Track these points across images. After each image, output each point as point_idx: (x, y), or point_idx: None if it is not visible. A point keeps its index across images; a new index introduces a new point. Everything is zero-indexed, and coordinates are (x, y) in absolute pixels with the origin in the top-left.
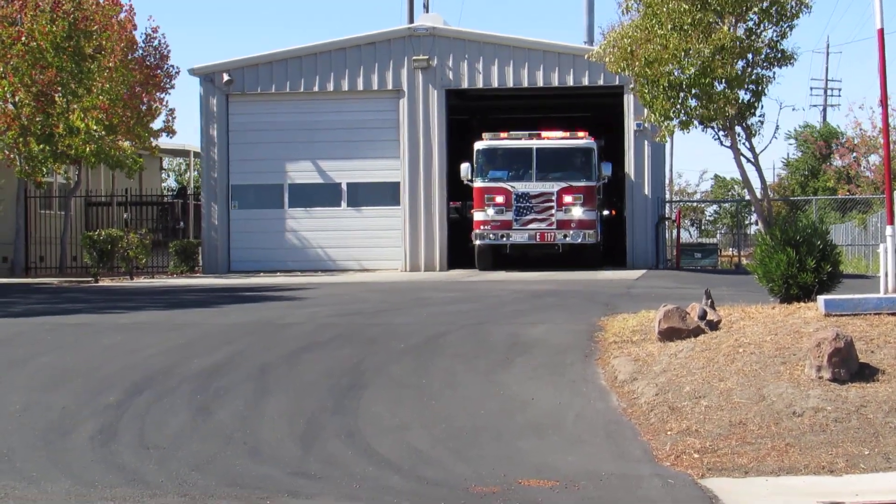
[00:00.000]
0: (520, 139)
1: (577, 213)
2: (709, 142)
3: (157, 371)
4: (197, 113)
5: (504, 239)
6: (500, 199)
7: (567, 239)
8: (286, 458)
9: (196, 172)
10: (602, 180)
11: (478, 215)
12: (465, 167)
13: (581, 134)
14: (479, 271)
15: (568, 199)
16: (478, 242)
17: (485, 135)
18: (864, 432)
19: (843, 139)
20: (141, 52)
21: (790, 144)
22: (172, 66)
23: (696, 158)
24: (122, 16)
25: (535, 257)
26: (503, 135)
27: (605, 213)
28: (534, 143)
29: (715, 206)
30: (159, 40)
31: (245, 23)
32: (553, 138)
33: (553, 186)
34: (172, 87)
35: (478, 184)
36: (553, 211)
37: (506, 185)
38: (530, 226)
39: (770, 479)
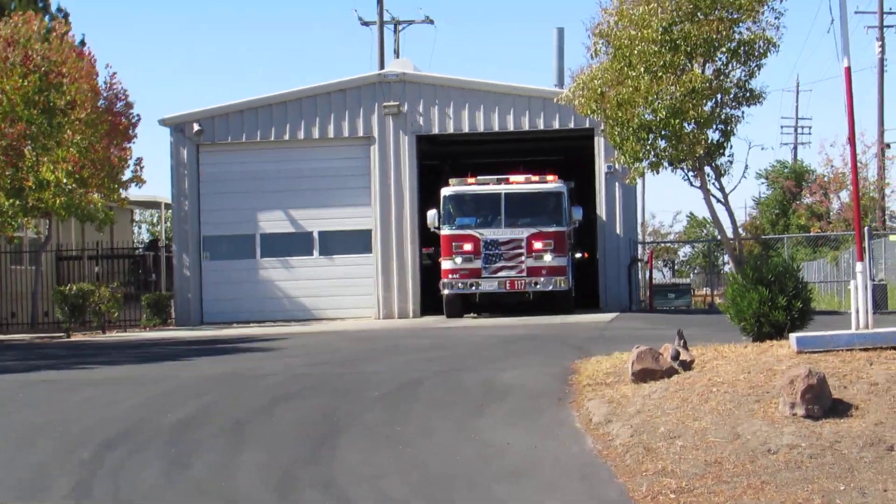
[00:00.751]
0: (487, 184)
1: (548, 259)
2: (683, 182)
3: (130, 425)
4: (167, 163)
5: (473, 288)
6: (468, 246)
7: (538, 287)
8: None
9: (167, 224)
10: (573, 224)
11: (445, 264)
12: (431, 214)
13: (550, 177)
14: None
15: (538, 245)
16: (446, 291)
17: (452, 180)
18: (839, 468)
19: (814, 177)
20: (104, 101)
21: (761, 183)
22: (134, 114)
23: (671, 199)
24: (86, 66)
25: (505, 304)
26: (470, 180)
27: (578, 255)
28: (502, 189)
29: (688, 247)
30: (118, 88)
31: (215, 72)
32: (522, 182)
33: (522, 232)
34: (135, 136)
35: (445, 231)
36: (523, 258)
37: (474, 232)
38: (500, 274)
39: None
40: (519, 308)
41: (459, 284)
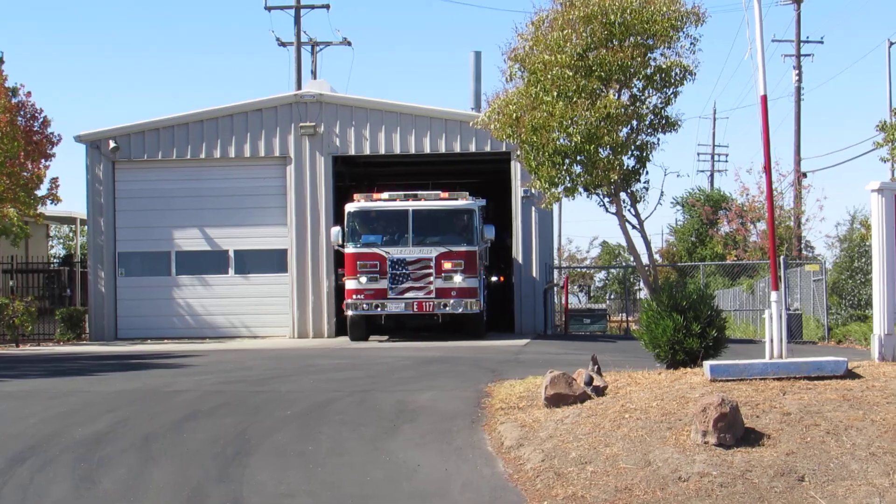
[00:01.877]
0: (395, 200)
1: (458, 280)
2: (599, 208)
3: (40, 439)
4: (83, 180)
5: (379, 309)
6: (373, 265)
7: (447, 309)
8: None
9: (83, 239)
10: (485, 244)
11: (350, 284)
12: (335, 231)
13: (461, 195)
14: (386, 338)
15: (447, 265)
16: (350, 313)
17: (356, 196)
18: (750, 497)
19: (731, 205)
20: (22, 119)
21: (677, 211)
22: (54, 133)
23: (588, 224)
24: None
25: (413, 326)
26: (377, 196)
27: (494, 279)
28: (410, 205)
29: (604, 272)
30: (33, 107)
31: (136, 91)
32: (431, 199)
33: (431, 252)
34: (54, 154)
35: (349, 249)
36: (431, 278)
37: (380, 251)
38: (407, 295)
39: None
40: (428, 331)
41: (364, 305)
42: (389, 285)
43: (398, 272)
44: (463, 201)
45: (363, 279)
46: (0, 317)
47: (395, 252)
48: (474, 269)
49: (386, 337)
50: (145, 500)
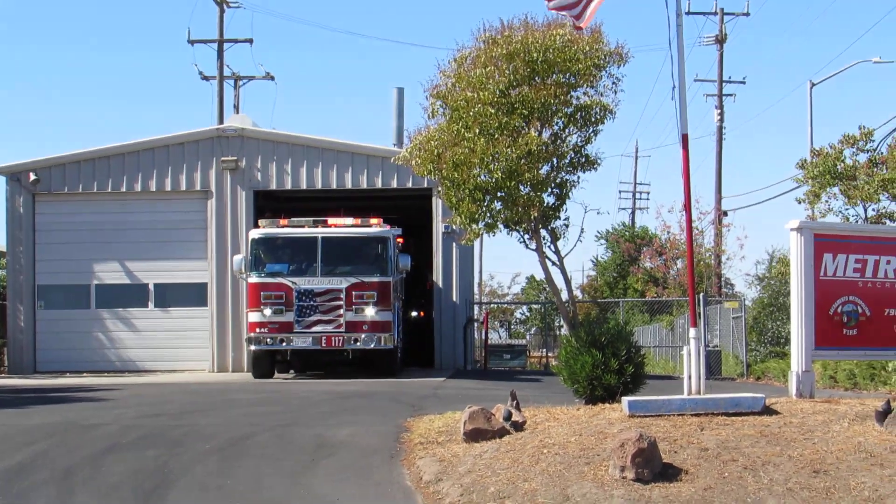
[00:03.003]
0: (303, 227)
1: (370, 313)
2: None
3: None
4: (3, 211)
5: (283, 344)
6: (279, 297)
7: (358, 344)
8: None
9: (2, 271)
10: (400, 274)
11: (252, 316)
12: (237, 259)
13: (374, 221)
14: (293, 374)
15: (359, 297)
16: (252, 347)
17: (261, 221)
18: None
19: (653, 242)
20: None
21: (600, 245)
22: None
23: (510, 260)
24: None
25: (323, 362)
26: (283, 222)
27: (414, 314)
28: (319, 232)
29: (525, 309)
30: None
31: (53, 123)
32: (342, 226)
33: (341, 282)
34: None
35: (253, 279)
36: (342, 311)
37: (285, 281)
38: (315, 328)
39: None
40: (339, 368)
41: (268, 340)
42: (296, 318)
43: (305, 304)
44: (377, 228)
45: (267, 311)
46: None
47: (303, 282)
48: (388, 301)
49: (292, 374)
50: None
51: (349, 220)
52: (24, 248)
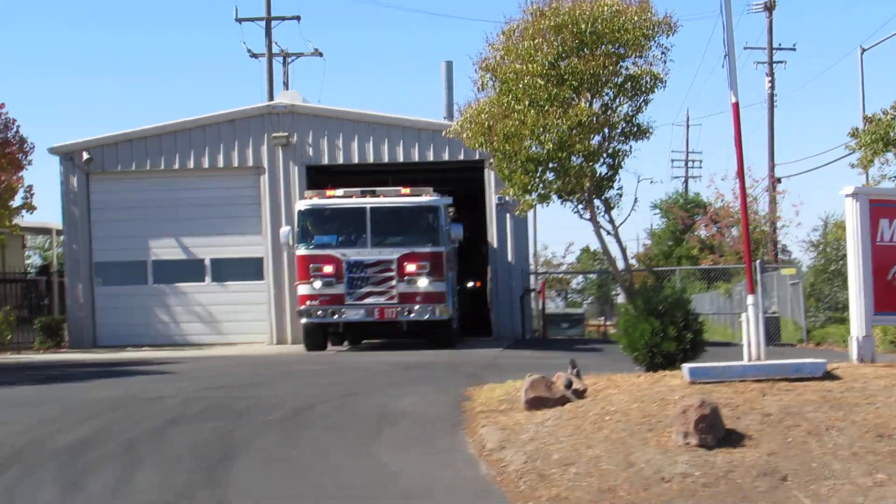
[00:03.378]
0: (351, 197)
1: (423, 284)
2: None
3: (24, 446)
4: (58, 191)
5: (335, 316)
6: (328, 269)
7: (412, 315)
8: None
9: (59, 249)
10: (452, 244)
11: (302, 288)
12: (284, 232)
13: (425, 190)
14: (347, 346)
15: (411, 267)
16: (304, 320)
17: (308, 192)
18: (734, 496)
19: (707, 210)
20: None
21: (655, 214)
22: (27, 142)
23: (565, 230)
24: None
25: (376, 334)
26: (330, 192)
27: (470, 284)
28: (367, 202)
29: (581, 277)
30: (6, 118)
31: (105, 104)
32: (391, 196)
33: (392, 253)
34: (30, 163)
35: (301, 251)
36: (394, 282)
37: (335, 253)
38: (367, 300)
39: None
40: (393, 340)
41: (319, 312)
42: (347, 290)
43: (356, 276)
44: (427, 197)
45: (317, 283)
46: None
47: (353, 254)
48: (441, 271)
49: (346, 346)
50: None
51: (399, 190)
52: (81, 226)
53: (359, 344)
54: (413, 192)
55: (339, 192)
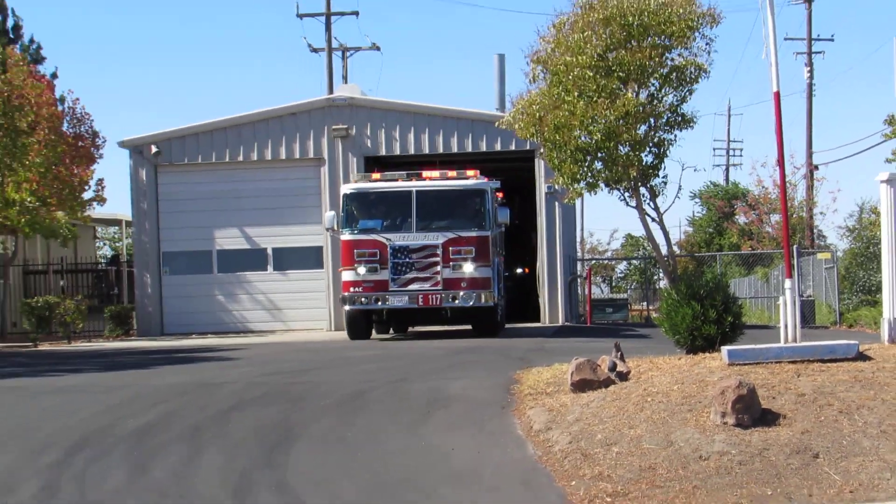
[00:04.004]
0: (396, 180)
1: (469, 269)
2: (619, 202)
3: (94, 431)
4: (127, 183)
5: (379, 303)
6: (373, 254)
7: (456, 302)
8: None
9: (129, 240)
10: (499, 228)
11: (346, 275)
12: (329, 216)
13: (470, 173)
14: (392, 334)
15: (456, 252)
16: (347, 307)
17: (353, 176)
18: (767, 474)
19: (746, 198)
20: (67, 125)
21: (695, 203)
22: (99, 136)
23: (608, 218)
24: (44, 91)
25: (420, 321)
26: (375, 176)
27: (519, 270)
28: (413, 186)
29: (625, 263)
30: (81, 113)
31: (170, 96)
32: (437, 179)
33: (438, 238)
34: (101, 156)
35: (345, 236)
36: (439, 268)
37: (380, 238)
38: (411, 286)
39: None
40: (437, 327)
41: (363, 299)
42: (391, 276)
43: (400, 261)
44: (473, 180)
45: (361, 269)
46: (52, 315)
47: (397, 238)
48: (487, 256)
49: (391, 334)
50: (196, 486)
51: (445, 173)
52: (149, 217)
53: (404, 332)
54: (459, 174)
55: (384, 175)
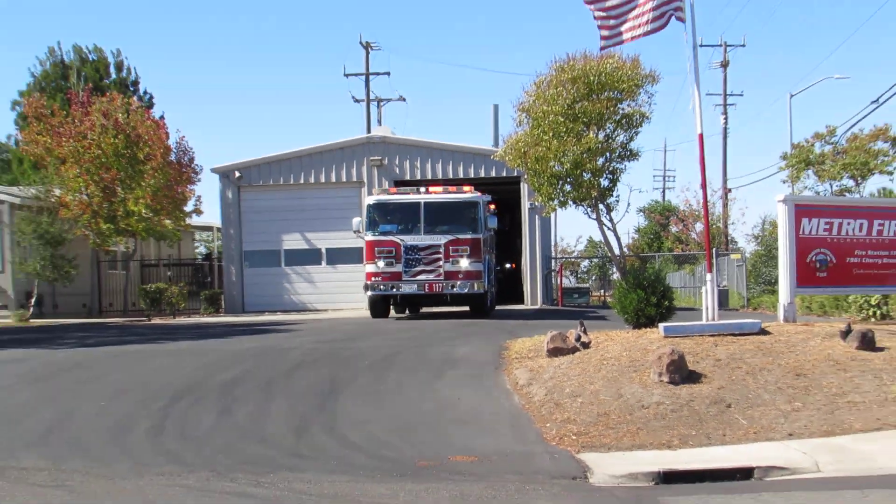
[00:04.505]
0: (408, 194)
1: (464, 264)
2: (583, 215)
3: (192, 384)
4: (217, 198)
5: (394, 290)
6: (389, 251)
7: (454, 289)
8: (285, 444)
9: (219, 242)
10: (489, 232)
11: (369, 268)
12: (356, 221)
13: (466, 189)
14: (407, 313)
15: (455, 250)
16: (369, 293)
17: (375, 190)
18: (693, 419)
19: (678, 213)
20: (174, 155)
21: (640, 216)
22: (198, 164)
23: (575, 226)
24: (159, 130)
25: (426, 304)
26: (392, 190)
27: (508, 266)
28: (422, 198)
29: (588, 261)
30: (185, 146)
31: (249, 128)
32: (440, 193)
33: (440, 239)
34: (199, 179)
35: (368, 237)
36: (441, 262)
37: (395, 238)
38: (419, 277)
39: (626, 453)
40: (440, 307)
41: (381, 287)
42: (404, 269)
43: (411, 257)
44: (468, 194)
45: (381, 263)
46: (162, 297)
47: (409, 239)
48: (479, 254)
49: (407, 314)
50: (267, 426)
51: (447, 189)
52: (233, 225)
53: (416, 313)
54: (458, 190)
55: (399, 189)
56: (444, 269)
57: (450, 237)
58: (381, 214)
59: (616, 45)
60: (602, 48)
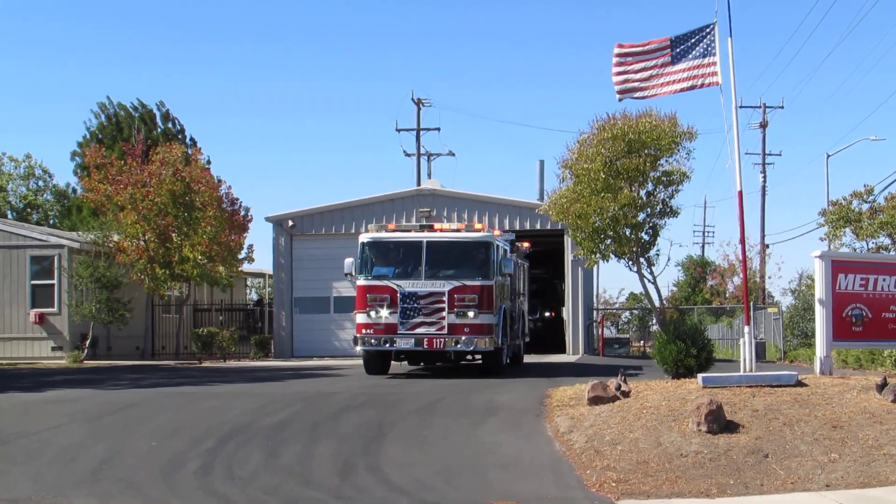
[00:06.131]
0: (409, 231)
1: (471, 316)
2: (624, 268)
3: (240, 426)
4: (270, 245)
5: (388, 345)
6: (383, 299)
7: (458, 346)
8: (329, 486)
9: (269, 288)
10: (504, 278)
11: (360, 317)
12: (348, 262)
13: (478, 226)
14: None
15: (461, 300)
16: (359, 348)
17: (371, 226)
18: (730, 468)
19: (714, 267)
20: (227, 204)
21: (679, 270)
22: (248, 214)
23: (617, 279)
24: (211, 181)
25: (430, 363)
26: (391, 226)
27: (546, 314)
28: (424, 237)
29: (628, 312)
30: (233, 196)
31: (302, 180)
32: (446, 230)
33: (444, 286)
34: (248, 228)
35: (361, 281)
36: (444, 314)
37: (391, 284)
38: (418, 330)
39: (665, 500)
40: (446, 365)
41: (373, 341)
42: (400, 320)
43: (409, 306)
44: (480, 233)
45: (373, 313)
46: (213, 341)
47: (407, 285)
48: (490, 304)
49: (420, 365)
50: (312, 468)
51: (454, 225)
52: (285, 272)
53: (418, 365)
54: (467, 227)
55: (399, 225)
56: (447, 322)
57: (455, 283)
58: (377, 255)
59: (643, 97)
60: (622, 96)
